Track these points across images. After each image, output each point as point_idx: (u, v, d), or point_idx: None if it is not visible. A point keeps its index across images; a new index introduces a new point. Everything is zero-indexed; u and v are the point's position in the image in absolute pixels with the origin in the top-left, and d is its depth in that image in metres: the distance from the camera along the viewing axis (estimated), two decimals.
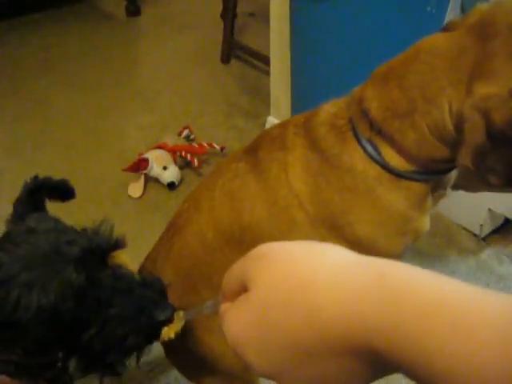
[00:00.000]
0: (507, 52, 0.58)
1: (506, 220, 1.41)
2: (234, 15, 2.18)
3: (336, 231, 0.73)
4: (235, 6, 2.17)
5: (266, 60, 1.88)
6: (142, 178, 1.65)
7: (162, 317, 0.55)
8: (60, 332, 0.51)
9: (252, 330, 0.33)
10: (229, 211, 0.79)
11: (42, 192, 0.65)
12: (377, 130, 0.67)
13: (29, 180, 0.64)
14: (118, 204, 1.61)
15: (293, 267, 0.33)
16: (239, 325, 0.34)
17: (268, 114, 1.79)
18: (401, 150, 0.67)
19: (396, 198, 0.70)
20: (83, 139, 1.89)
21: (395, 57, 0.69)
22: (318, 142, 0.72)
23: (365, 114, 0.68)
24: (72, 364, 0.56)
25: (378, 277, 0.30)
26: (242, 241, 0.79)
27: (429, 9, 0.98)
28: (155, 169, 1.63)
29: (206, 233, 0.81)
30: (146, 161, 1.61)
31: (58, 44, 2.49)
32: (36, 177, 0.65)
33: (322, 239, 0.74)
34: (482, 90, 0.58)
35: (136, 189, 1.64)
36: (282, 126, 0.79)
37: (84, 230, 0.58)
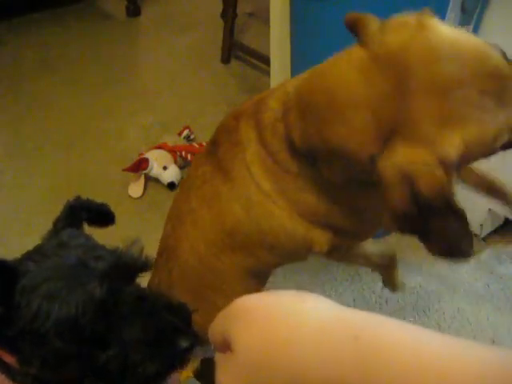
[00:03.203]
0: (431, 114, 0.51)
1: (506, 220, 1.41)
2: (234, 15, 2.18)
3: (317, 223, 0.73)
4: (235, 6, 2.16)
5: (266, 60, 1.88)
6: (142, 177, 1.65)
7: (184, 344, 0.53)
8: (79, 346, 0.51)
9: None
10: (210, 220, 0.79)
11: (82, 212, 0.65)
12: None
13: (71, 199, 0.65)
14: (118, 204, 1.61)
15: (272, 328, 0.32)
16: None
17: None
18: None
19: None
20: (83, 139, 1.89)
21: (310, 78, 0.64)
22: (266, 144, 0.71)
23: (290, 139, 0.66)
24: None
25: (353, 338, 0.29)
26: (234, 245, 0.79)
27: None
28: (155, 169, 1.63)
29: (198, 247, 0.81)
30: (146, 161, 1.61)
31: (57, 44, 2.49)
32: (78, 197, 0.66)
33: (306, 229, 0.74)
34: (405, 151, 0.51)
35: (136, 189, 1.64)
36: (236, 116, 0.77)
37: (115, 248, 0.57)
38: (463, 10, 1.02)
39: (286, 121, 0.67)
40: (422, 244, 0.58)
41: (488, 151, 0.54)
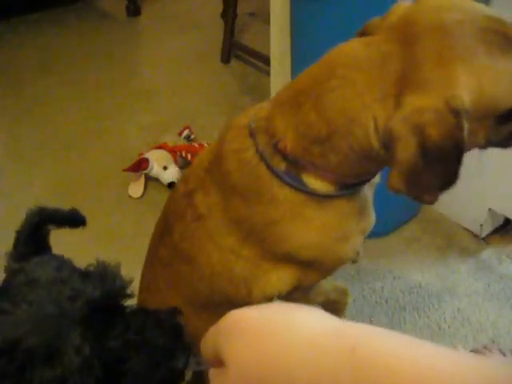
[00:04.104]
0: (436, 56, 0.51)
1: (506, 220, 1.41)
2: (235, 15, 2.18)
3: (280, 262, 0.70)
4: (235, 6, 2.16)
5: (266, 60, 1.88)
6: (143, 177, 1.65)
7: (178, 365, 0.52)
8: None
9: None
10: (181, 300, 0.78)
11: (46, 226, 0.59)
12: (293, 161, 0.62)
13: (31, 212, 0.58)
14: (118, 204, 1.61)
15: (264, 342, 0.32)
16: None
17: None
18: (323, 174, 0.62)
19: (326, 216, 0.66)
20: (83, 139, 1.89)
21: (299, 77, 0.62)
22: (234, 189, 0.67)
23: (277, 148, 0.62)
24: None
25: (350, 350, 0.29)
26: (208, 312, 0.78)
27: None
28: (155, 169, 1.63)
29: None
30: (147, 161, 1.61)
31: (57, 44, 2.49)
32: (40, 209, 0.59)
33: (270, 274, 0.71)
34: (413, 102, 0.51)
35: (136, 189, 1.64)
36: (185, 194, 0.74)
37: (89, 273, 0.53)
38: None
39: (268, 131, 0.63)
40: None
41: (501, 102, 0.52)
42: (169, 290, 0.80)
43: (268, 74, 1.68)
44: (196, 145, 1.74)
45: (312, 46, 1.19)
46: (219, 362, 0.34)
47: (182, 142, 1.77)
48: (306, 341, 0.31)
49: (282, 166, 0.63)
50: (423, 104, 0.50)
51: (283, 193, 0.64)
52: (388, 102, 0.53)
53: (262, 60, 2.04)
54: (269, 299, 0.76)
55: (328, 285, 0.88)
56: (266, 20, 1.56)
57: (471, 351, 1.15)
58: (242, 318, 0.34)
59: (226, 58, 2.27)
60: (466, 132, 0.51)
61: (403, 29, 0.53)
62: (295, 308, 0.34)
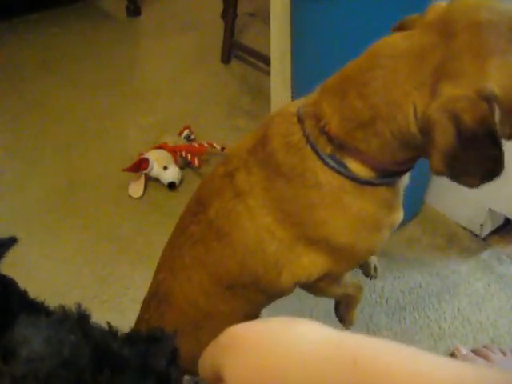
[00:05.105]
0: (471, 50, 0.56)
1: (506, 220, 1.41)
2: (235, 15, 2.18)
3: (313, 246, 0.73)
4: (235, 6, 2.16)
5: (266, 60, 1.88)
6: (143, 177, 1.65)
7: None
8: None
9: None
10: (208, 278, 0.79)
11: None
12: (338, 144, 0.66)
13: None
14: (118, 204, 1.61)
15: (264, 356, 0.31)
16: None
17: (268, 113, 1.79)
18: (365, 159, 0.66)
19: (364, 203, 0.69)
20: (83, 139, 1.89)
21: (346, 66, 0.66)
22: (278, 169, 0.70)
23: (324, 131, 0.66)
24: None
25: (351, 362, 0.29)
26: (232, 296, 0.80)
27: None
28: (156, 169, 1.63)
29: (196, 299, 0.81)
30: (147, 161, 1.61)
31: (57, 44, 2.49)
32: None
33: (302, 257, 0.74)
34: (449, 91, 0.56)
35: (136, 189, 1.64)
36: (224, 174, 0.76)
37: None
38: None
39: (316, 116, 0.67)
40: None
41: None
42: (195, 267, 0.79)
43: (268, 73, 1.69)
44: (196, 145, 1.74)
45: (312, 46, 1.19)
46: (218, 379, 0.34)
47: (182, 141, 1.77)
48: (306, 354, 0.30)
49: (327, 149, 0.67)
50: (457, 93, 0.56)
51: (326, 176, 0.67)
52: (426, 90, 0.58)
53: (262, 60, 2.04)
54: (297, 284, 0.78)
55: (349, 278, 0.89)
56: (266, 20, 1.56)
57: (471, 351, 1.15)
58: (240, 333, 0.34)
59: (226, 58, 2.27)
60: (497, 118, 0.56)
61: (442, 25, 0.58)
62: (293, 322, 0.33)
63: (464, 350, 1.15)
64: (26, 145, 1.87)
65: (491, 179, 0.62)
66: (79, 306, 0.46)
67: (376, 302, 1.28)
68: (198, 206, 0.80)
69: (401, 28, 0.65)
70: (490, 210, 1.34)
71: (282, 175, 0.70)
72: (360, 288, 0.95)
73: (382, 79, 0.61)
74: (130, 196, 1.63)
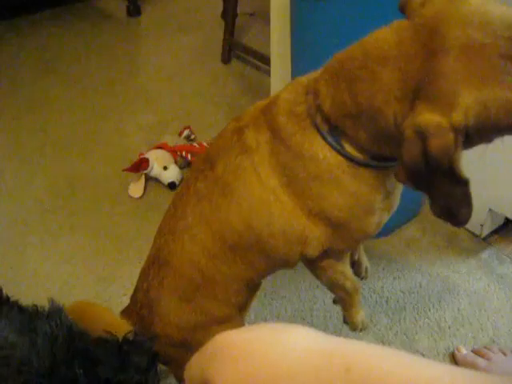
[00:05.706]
0: (452, 76, 0.55)
1: (506, 220, 1.41)
2: (235, 15, 2.18)
3: (314, 217, 0.74)
4: (235, 6, 2.16)
5: (266, 60, 1.88)
6: (143, 177, 1.65)
7: None
8: None
9: None
10: (211, 236, 0.79)
11: None
12: (333, 124, 0.68)
13: None
14: (118, 204, 1.61)
15: (253, 364, 0.30)
16: None
17: None
18: (355, 144, 0.68)
19: (359, 183, 0.71)
20: (83, 139, 1.89)
21: (348, 49, 0.68)
22: (279, 132, 0.72)
23: (320, 109, 0.69)
24: None
25: (344, 370, 0.28)
26: (235, 257, 0.80)
27: None
28: (156, 169, 1.63)
29: (198, 260, 0.81)
30: (147, 161, 1.61)
31: (58, 44, 2.49)
32: None
33: (304, 226, 0.75)
34: (424, 113, 0.56)
35: (136, 189, 1.64)
36: (235, 130, 0.78)
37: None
38: None
39: (315, 92, 0.69)
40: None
41: (506, 119, 0.56)
42: (199, 226, 0.80)
43: (268, 73, 1.69)
44: (196, 145, 1.74)
45: (312, 46, 1.19)
46: None
47: (182, 141, 1.77)
48: (296, 361, 0.29)
49: (325, 127, 0.69)
50: (430, 118, 0.56)
51: (323, 151, 0.70)
52: (406, 103, 0.59)
53: (262, 60, 2.04)
54: (301, 254, 0.79)
55: (348, 270, 0.91)
56: (266, 20, 1.56)
57: (471, 351, 1.15)
58: (228, 340, 0.33)
59: (226, 58, 2.27)
60: (460, 151, 0.56)
61: (433, 33, 0.57)
62: (283, 328, 0.32)
63: (464, 350, 1.15)
64: (26, 145, 1.87)
65: (448, 217, 0.63)
66: (52, 300, 0.47)
67: (376, 302, 1.28)
68: (205, 163, 0.80)
69: (404, 8, 0.64)
70: (490, 210, 1.34)
71: (282, 141, 0.72)
72: (357, 288, 0.95)
73: (368, 83, 0.62)
74: (130, 196, 1.63)
